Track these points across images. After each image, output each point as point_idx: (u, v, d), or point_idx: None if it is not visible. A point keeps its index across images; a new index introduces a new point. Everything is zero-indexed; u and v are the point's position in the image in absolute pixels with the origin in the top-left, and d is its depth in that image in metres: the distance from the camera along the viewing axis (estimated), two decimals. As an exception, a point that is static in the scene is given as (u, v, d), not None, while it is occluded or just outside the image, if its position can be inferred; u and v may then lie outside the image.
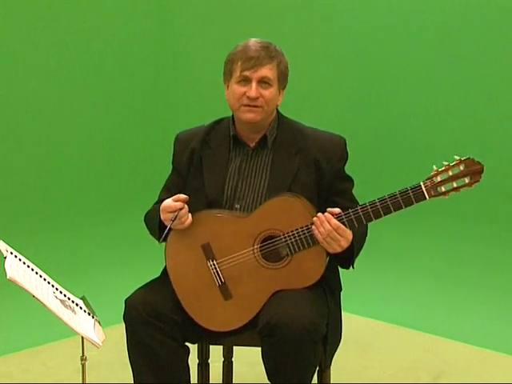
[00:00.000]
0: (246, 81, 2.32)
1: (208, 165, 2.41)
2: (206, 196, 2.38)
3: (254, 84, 2.31)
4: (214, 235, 2.29)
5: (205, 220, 2.30)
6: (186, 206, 2.27)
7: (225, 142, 2.42)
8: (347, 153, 2.43)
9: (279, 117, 2.45)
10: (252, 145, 2.41)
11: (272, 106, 2.36)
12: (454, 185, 2.16)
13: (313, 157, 2.36)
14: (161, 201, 2.37)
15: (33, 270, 2.14)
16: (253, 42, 2.36)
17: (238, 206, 2.36)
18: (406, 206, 2.17)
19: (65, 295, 2.19)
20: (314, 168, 2.36)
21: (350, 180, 2.44)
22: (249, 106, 2.33)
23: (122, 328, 2.33)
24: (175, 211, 2.24)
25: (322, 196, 2.36)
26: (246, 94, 2.32)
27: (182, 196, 2.27)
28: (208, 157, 2.42)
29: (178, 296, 2.31)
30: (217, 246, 2.29)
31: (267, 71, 2.31)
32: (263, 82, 2.32)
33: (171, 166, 2.54)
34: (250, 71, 2.31)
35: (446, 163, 2.17)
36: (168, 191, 2.48)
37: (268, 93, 2.32)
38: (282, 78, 2.36)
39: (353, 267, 2.36)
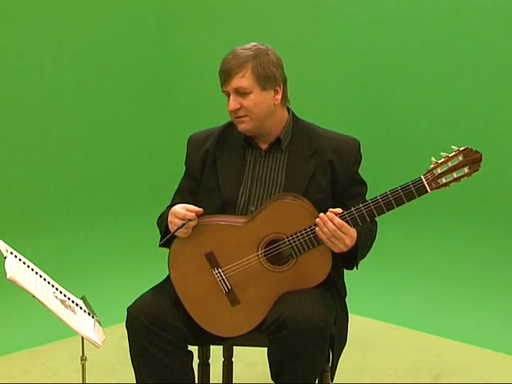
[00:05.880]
0: (227, 95, 2.32)
1: (223, 165, 2.39)
2: (221, 196, 2.36)
3: (230, 97, 2.30)
4: (217, 243, 2.26)
5: (206, 229, 2.27)
6: (196, 219, 2.24)
7: (239, 144, 2.40)
8: (361, 155, 2.40)
9: (294, 119, 2.41)
10: (264, 147, 2.39)
11: (261, 111, 2.30)
12: (454, 175, 2.15)
13: (328, 159, 2.34)
14: (174, 205, 2.34)
15: (33, 270, 2.14)
16: (231, 52, 2.33)
17: (253, 209, 2.34)
18: (408, 201, 2.15)
19: (65, 295, 2.18)
20: (329, 170, 2.34)
21: (363, 184, 2.42)
22: (236, 117, 2.32)
23: (122, 328, 2.33)
24: (184, 220, 2.22)
25: (336, 199, 2.33)
26: None
27: (197, 209, 2.24)
28: (223, 157, 2.40)
29: (185, 306, 2.28)
30: (220, 254, 2.26)
31: (238, 81, 2.27)
32: (239, 92, 2.29)
33: (184, 168, 2.50)
34: (224, 86, 2.31)
35: (444, 154, 2.16)
36: (181, 195, 2.46)
37: (248, 101, 2.29)
38: (263, 79, 2.27)
39: (357, 268, 2.35)
